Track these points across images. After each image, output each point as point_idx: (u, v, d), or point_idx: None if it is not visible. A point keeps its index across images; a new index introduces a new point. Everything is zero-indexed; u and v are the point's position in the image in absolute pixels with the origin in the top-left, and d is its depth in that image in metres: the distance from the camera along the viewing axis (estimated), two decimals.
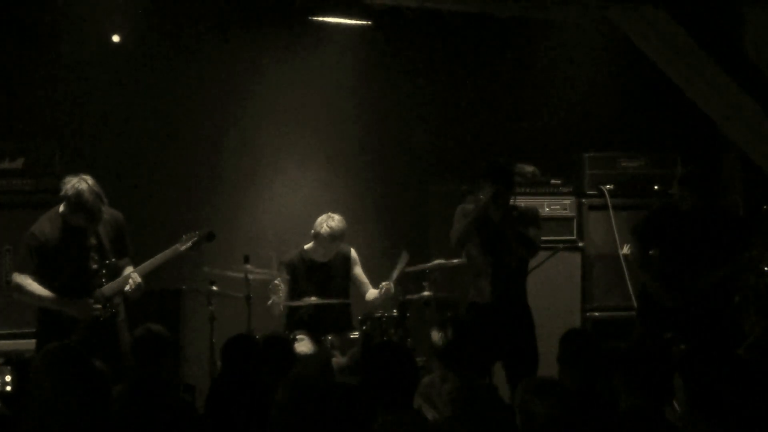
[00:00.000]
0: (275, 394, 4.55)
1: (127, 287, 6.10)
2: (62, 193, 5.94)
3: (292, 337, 6.88)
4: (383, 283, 7.26)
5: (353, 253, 7.50)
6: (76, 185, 5.90)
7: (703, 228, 6.43)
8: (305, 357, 6.74)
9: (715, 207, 6.52)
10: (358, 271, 7.51)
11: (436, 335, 5.33)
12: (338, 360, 6.91)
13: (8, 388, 6.02)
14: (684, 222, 6.45)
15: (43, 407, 4.10)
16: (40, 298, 6.00)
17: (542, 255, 7.11)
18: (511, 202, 6.62)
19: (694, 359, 3.86)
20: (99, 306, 6.06)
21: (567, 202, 8.07)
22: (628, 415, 4.09)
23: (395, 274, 7.24)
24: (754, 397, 3.67)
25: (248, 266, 7.02)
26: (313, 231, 7.29)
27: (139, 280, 6.11)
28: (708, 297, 6.42)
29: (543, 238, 6.77)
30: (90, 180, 5.93)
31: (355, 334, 7.15)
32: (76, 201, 5.90)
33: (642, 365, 4.13)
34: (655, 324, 6.37)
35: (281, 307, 7.22)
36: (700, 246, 6.42)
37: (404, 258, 7.26)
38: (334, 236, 7.23)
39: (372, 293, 7.44)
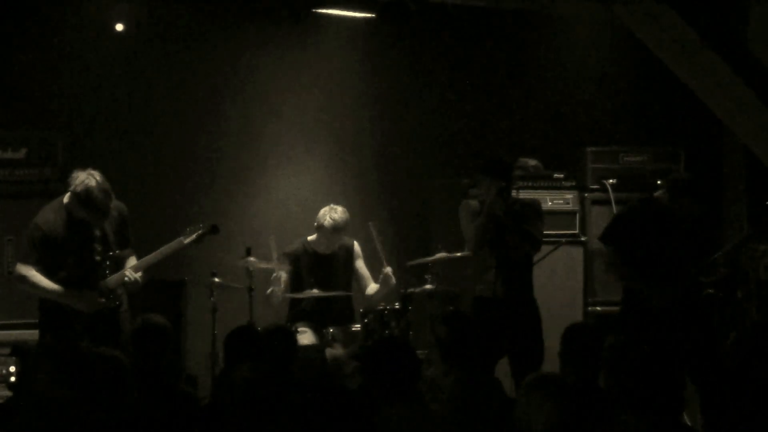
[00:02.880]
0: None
1: (128, 279, 6.10)
2: (71, 188, 5.93)
3: (293, 329, 6.87)
4: (383, 269, 7.24)
5: (356, 246, 7.49)
6: (86, 182, 5.88)
7: (678, 227, 6.40)
8: (302, 349, 6.74)
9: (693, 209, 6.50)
10: (361, 264, 7.51)
11: (442, 329, 5.32)
12: (332, 351, 6.90)
13: (12, 379, 6.04)
14: (661, 221, 6.40)
15: (43, 400, 4.12)
16: (46, 290, 6.00)
17: (544, 249, 7.08)
18: (513, 195, 6.61)
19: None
20: (103, 300, 6.07)
21: (569, 196, 8.07)
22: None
23: (382, 255, 7.24)
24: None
25: (250, 258, 7.02)
26: (316, 223, 7.29)
27: (135, 276, 6.11)
28: (688, 294, 6.41)
29: (546, 232, 6.74)
30: (98, 176, 5.92)
31: (357, 327, 7.15)
32: (86, 198, 5.89)
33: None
34: (641, 328, 6.28)
35: (280, 297, 7.22)
36: (678, 245, 6.38)
37: (373, 230, 7.27)
38: (337, 228, 7.22)
39: (372, 288, 7.44)
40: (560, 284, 7.80)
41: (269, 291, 7.25)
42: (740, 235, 6.68)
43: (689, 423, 6.21)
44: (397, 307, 7.13)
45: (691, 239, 6.44)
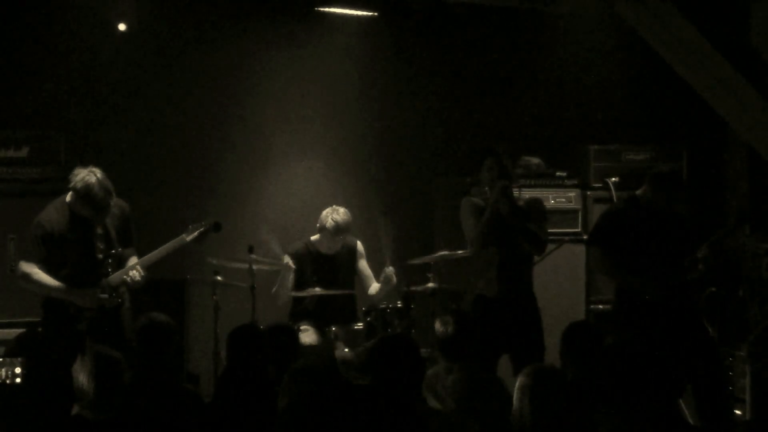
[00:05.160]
0: (280, 383, 4.55)
1: (128, 278, 6.10)
2: (71, 185, 5.95)
3: (296, 327, 6.87)
4: (385, 268, 7.23)
5: (359, 245, 7.49)
6: (86, 179, 5.90)
7: (667, 222, 6.39)
8: (309, 348, 6.74)
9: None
10: (363, 264, 7.50)
11: (438, 326, 5.34)
12: (341, 353, 6.90)
13: (18, 380, 6.03)
14: (648, 217, 6.38)
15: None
16: (47, 287, 6.01)
17: (547, 247, 7.10)
18: (516, 193, 6.59)
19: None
20: (105, 296, 6.08)
21: (572, 194, 8.07)
22: None
23: (386, 251, 7.22)
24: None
25: (253, 256, 7.03)
26: (318, 224, 7.28)
27: (142, 273, 6.11)
28: (681, 288, 6.39)
29: (548, 230, 6.73)
30: (99, 173, 5.94)
31: (360, 326, 7.15)
32: (85, 195, 5.91)
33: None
34: (636, 326, 6.25)
35: (287, 295, 7.23)
36: (666, 240, 6.37)
37: (384, 223, 7.26)
38: (340, 229, 7.21)
39: (375, 287, 7.43)
40: (562, 283, 7.80)
41: (275, 289, 7.24)
42: (719, 233, 6.65)
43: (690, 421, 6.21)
44: (399, 305, 7.13)
45: (679, 232, 6.43)
